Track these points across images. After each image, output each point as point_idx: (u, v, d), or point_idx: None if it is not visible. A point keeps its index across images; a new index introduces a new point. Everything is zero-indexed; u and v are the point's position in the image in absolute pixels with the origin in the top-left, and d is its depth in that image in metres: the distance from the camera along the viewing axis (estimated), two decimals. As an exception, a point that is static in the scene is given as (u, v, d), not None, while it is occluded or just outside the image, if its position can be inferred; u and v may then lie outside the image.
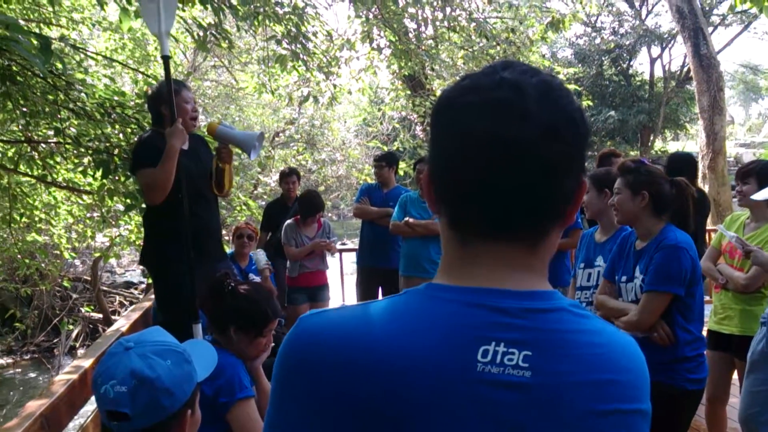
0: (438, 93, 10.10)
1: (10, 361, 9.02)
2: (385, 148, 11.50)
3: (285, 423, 0.71)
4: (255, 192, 12.14)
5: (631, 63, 24.70)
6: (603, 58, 23.57)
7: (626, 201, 2.51)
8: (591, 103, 16.04)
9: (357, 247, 5.63)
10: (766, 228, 3.08)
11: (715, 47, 10.43)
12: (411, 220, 4.63)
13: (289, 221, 5.04)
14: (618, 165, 2.64)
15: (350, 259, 6.58)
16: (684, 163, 3.77)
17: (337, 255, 5.97)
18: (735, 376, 3.30)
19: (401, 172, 7.96)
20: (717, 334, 3.17)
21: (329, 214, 19.11)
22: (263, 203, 8.97)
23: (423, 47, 7.98)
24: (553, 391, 0.67)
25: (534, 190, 0.71)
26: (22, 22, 4.23)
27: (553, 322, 0.71)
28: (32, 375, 8.69)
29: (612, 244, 2.90)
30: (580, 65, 22.03)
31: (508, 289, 0.71)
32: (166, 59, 2.88)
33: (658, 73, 24.53)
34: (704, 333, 2.57)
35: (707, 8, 19.41)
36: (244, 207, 8.78)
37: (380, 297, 5.26)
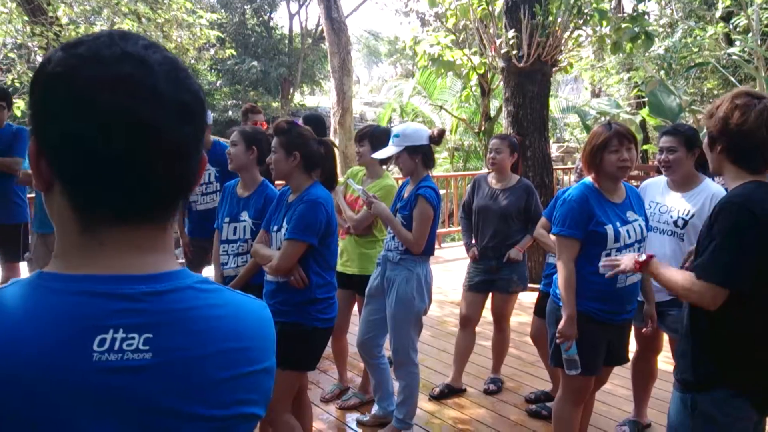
0: (63, 22, 8.86)
1: None
2: (-4, 81, 9.64)
3: None
4: None
5: (272, 15, 25.58)
6: (245, 7, 23.83)
7: (281, 160, 2.70)
8: (234, 52, 16.12)
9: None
10: (378, 182, 3.60)
11: (344, 12, 11.48)
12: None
13: None
14: (274, 126, 2.77)
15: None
16: (315, 122, 4.28)
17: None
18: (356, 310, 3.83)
19: (18, 112, 6.79)
20: (342, 275, 3.61)
21: None
22: None
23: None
24: (176, 368, 0.70)
25: (169, 172, 0.71)
26: None
27: (175, 301, 0.72)
28: None
29: (255, 198, 3.06)
30: (223, 10, 21.86)
31: (131, 274, 0.71)
32: None
33: (297, 29, 25.97)
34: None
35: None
36: None
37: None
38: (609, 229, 2.59)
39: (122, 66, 0.68)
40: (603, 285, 2.60)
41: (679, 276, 1.99)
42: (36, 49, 9.46)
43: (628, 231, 2.63)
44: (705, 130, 1.99)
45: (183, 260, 4.31)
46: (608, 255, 2.59)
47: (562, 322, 2.62)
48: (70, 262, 0.71)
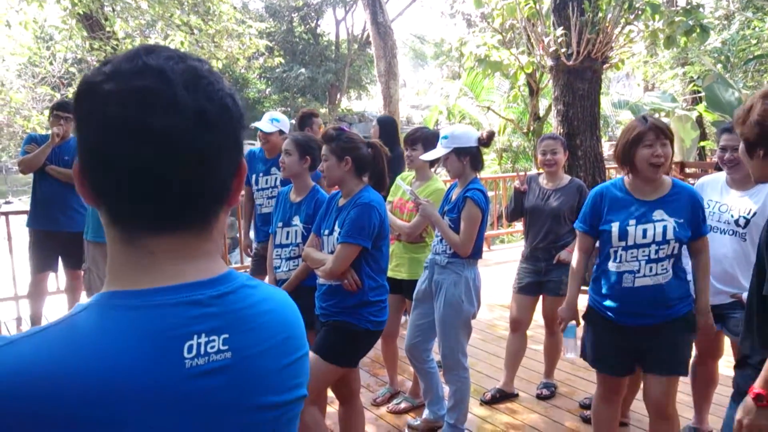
0: (120, 36, 9.19)
1: None
2: (57, 95, 10.08)
3: None
4: None
5: (319, 22, 25.90)
6: (293, 15, 24.22)
7: (333, 167, 2.74)
8: (283, 60, 16.40)
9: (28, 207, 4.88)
10: (428, 185, 3.59)
11: (390, 16, 11.53)
12: None
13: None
14: (321, 133, 2.80)
15: (19, 222, 5.68)
16: (389, 124, 4.52)
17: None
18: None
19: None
20: (391, 280, 3.61)
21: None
22: None
23: (100, -17, 7.13)
24: (250, 363, 0.76)
25: (194, 179, 0.72)
26: None
27: (236, 301, 0.77)
28: None
29: (306, 203, 3.10)
30: (271, 19, 22.28)
31: (195, 281, 0.74)
32: None
33: (343, 35, 26.20)
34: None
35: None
36: None
37: (60, 265, 4.72)
38: (614, 226, 2.58)
39: (140, 79, 0.69)
40: (611, 282, 2.62)
41: None
42: (95, 63, 9.84)
43: (645, 231, 2.53)
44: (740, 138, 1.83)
45: (250, 265, 4.41)
46: (615, 252, 2.59)
47: (562, 305, 2.87)
48: (131, 277, 0.72)
